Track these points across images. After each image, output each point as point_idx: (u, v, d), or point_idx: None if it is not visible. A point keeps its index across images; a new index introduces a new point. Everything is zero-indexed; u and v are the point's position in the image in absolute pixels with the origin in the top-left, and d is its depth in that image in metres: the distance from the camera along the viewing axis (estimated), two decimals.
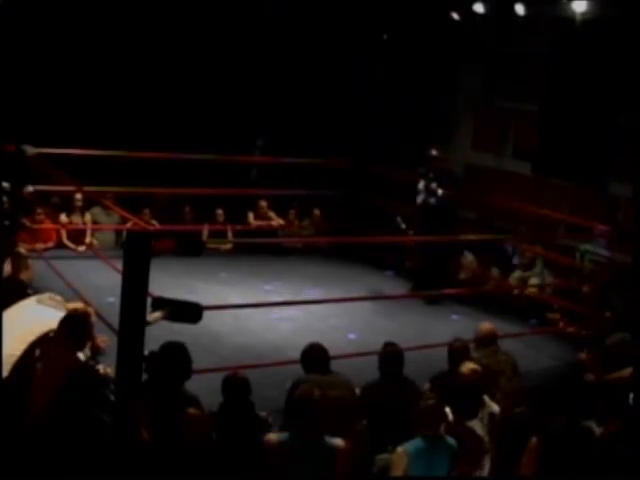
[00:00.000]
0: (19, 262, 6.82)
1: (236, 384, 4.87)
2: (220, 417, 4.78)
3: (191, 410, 4.57)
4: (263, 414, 4.98)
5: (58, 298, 5.58)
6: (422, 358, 6.52)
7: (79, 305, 5.76)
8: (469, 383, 5.18)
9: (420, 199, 9.46)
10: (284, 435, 4.42)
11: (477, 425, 5.03)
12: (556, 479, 4.23)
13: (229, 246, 10.52)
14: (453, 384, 5.27)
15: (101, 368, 5.20)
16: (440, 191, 9.33)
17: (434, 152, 9.74)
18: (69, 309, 5.34)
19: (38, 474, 4.20)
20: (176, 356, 4.85)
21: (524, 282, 9.44)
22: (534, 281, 9.43)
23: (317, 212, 11.30)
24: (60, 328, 4.83)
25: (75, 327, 4.83)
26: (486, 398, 5.23)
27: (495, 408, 5.20)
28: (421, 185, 9.47)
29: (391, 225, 9.65)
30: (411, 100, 11.63)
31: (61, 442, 4.30)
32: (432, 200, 9.36)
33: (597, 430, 4.88)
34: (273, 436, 4.45)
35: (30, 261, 7.04)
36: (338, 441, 4.38)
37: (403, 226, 9.56)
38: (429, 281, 8.91)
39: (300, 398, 4.45)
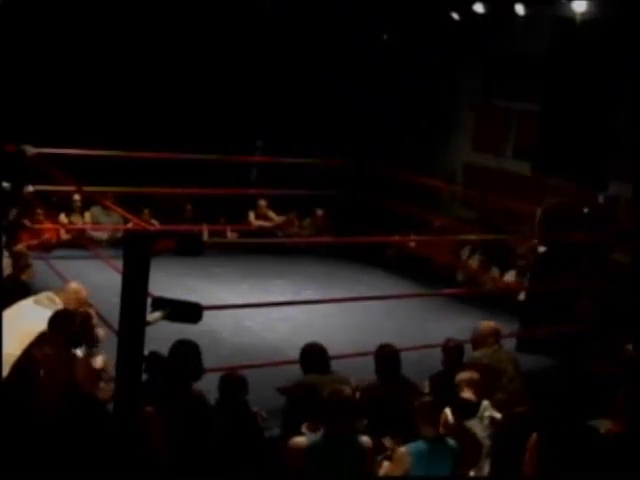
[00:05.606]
0: (20, 261, 6.82)
1: (232, 383, 4.89)
2: (215, 414, 4.79)
3: (147, 409, 4.43)
4: (255, 409, 5.00)
5: (56, 299, 5.56)
6: (422, 358, 6.52)
7: (73, 286, 5.77)
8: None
9: None
10: (315, 437, 4.26)
11: (477, 426, 5.01)
12: (559, 479, 4.21)
13: (229, 245, 10.51)
14: (451, 385, 5.25)
15: (99, 360, 5.18)
16: None
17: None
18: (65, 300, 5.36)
19: (43, 474, 4.20)
20: (189, 355, 4.90)
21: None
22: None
23: (320, 212, 11.27)
24: (49, 327, 4.83)
25: (62, 324, 4.82)
26: (486, 403, 5.19)
27: (497, 415, 5.16)
28: None
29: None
30: (411, 100, 11.63)
31: (70, 441, 4.29)
32: None
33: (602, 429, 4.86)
34: (301, 440, 4.26)
35: (30, 259, 7.04)
36: (366, 439, 4.29)
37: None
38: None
39: (332, 397, 4.26)
